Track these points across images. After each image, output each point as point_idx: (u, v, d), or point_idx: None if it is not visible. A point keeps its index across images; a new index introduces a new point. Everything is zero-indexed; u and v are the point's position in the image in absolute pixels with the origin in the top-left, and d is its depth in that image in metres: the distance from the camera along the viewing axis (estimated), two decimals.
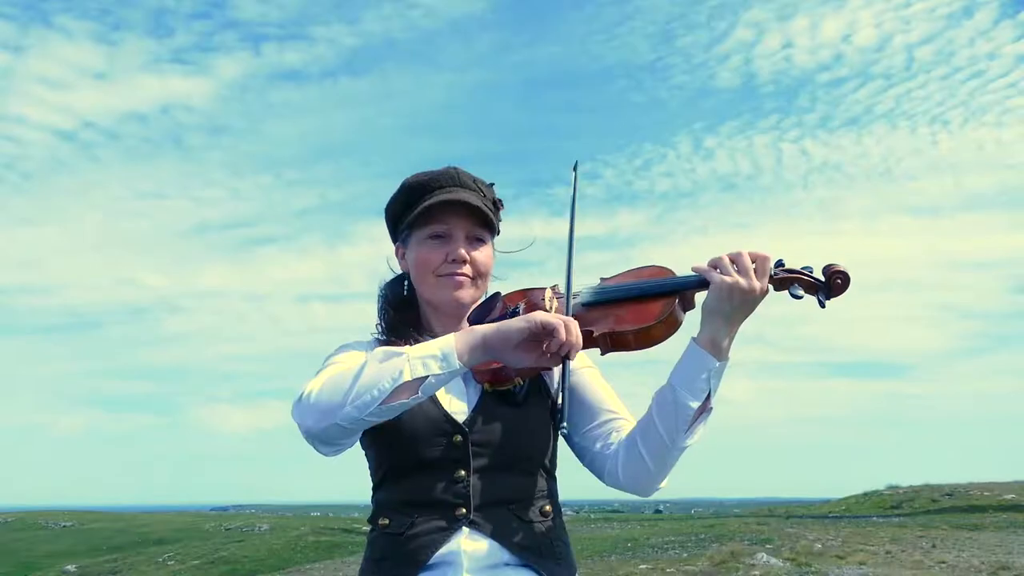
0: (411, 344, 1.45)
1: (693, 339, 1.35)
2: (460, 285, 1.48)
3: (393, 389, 1.23)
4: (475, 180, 1.52)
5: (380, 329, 1.57)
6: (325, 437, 1.29)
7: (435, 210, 1.45)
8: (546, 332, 1.24)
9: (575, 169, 1.55)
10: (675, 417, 1.34)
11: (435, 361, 1.24)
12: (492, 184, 1.55)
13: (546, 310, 1.43)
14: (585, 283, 1.48)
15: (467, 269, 1.48)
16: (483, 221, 1.49)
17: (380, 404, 1.23)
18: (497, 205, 1.54)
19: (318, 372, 1.41)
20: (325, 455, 1.35)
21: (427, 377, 1.24)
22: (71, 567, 19.69)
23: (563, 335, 1.23)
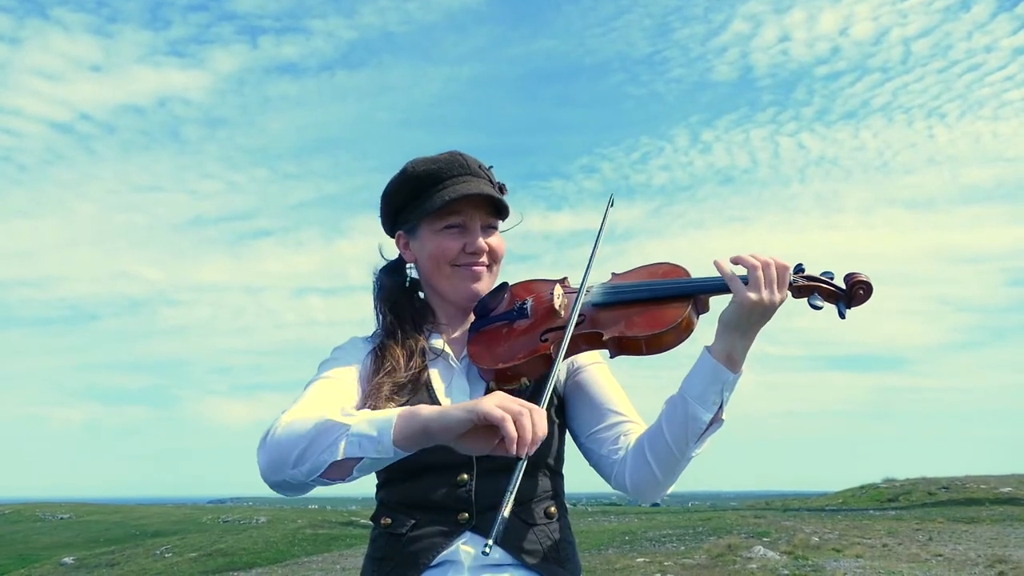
0: (411, 339, 1.46)
1: (707, 350, 1.31)
2: (478, 277, 1.47)
3: (329, 464, 1.17)
4: (480, 165, 1.49)
5: (380, 321, 1.54)
6: (278, 488, 1.26)
7: (456, 201, 1.42)
8: (490, 424, 1.07)
9: (611, 204, 1.49)
10: (685, 429, 1.31)
11: (370, 443, 1.15)
12: (491, 167, 1.53)
13: (554, 307, 1.40)
14: (596, 279, 1.43)
15: (484, 259, 1.47)
16: (496, 209, 1.47)
17: (320, 476, 1.19)
18: (502, 189, 1.52)
19: (307, 385, 1.40)
20: (285, 496, 1.32)
21: (362, 458, 1.16)
22: (69, 559, 19.66)
23: (511, 432, 1.04)
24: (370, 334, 1.55)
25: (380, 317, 1.54)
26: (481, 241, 1.46)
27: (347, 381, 1.41)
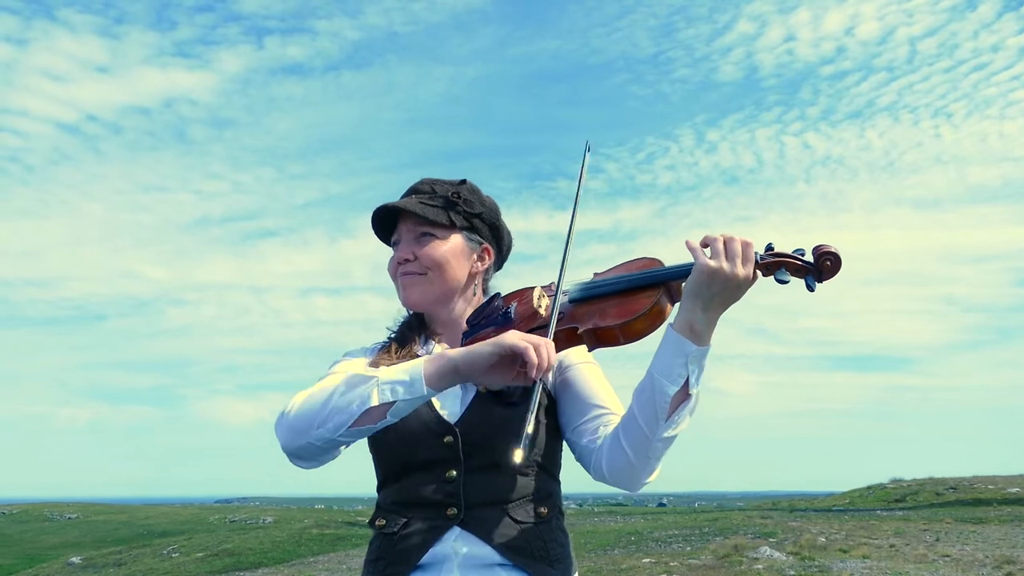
0: (408, 345, 1.53)
1: (670, 324, 1.32)
2: (407, 284, 1.54)
3: (361, 413, 1.25)
4: (433, 183, 1.55)
5: (390, 333, 1.61)
6: (300, 454, 1.32)
7: (377, 224, 1.56)
8: (514, 356, 1.23)
9: (587, 150, 1.50)
10: (653, 406, 1.29)
11: (402, 387, 1.25)
12: (463, 181, 1.57)
13: (535, 308, 1.43)
14: (578, 278, 1.46)
15: (413, 266, 1.52)
16: (423, 220, 1.52)
17: (349, 427, 1.26)
18: (452, 199, 1.53)
19: (319, 380, 1.44)
20: (303, 468, 1.38)
21: (395, 402, 1.25)
22: (76, 559, 19.72)
23: (533, 358, 1.21)
24: (372, 347, 1.60)
25: (393, 329, 1.63)
26: (402, 252, 1.54)
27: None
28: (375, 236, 1.61)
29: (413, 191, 1.56)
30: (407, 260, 1.53)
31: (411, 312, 1.62)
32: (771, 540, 12.73)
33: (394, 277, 1.56)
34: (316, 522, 21.35)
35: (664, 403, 1.28)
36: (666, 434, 1.31)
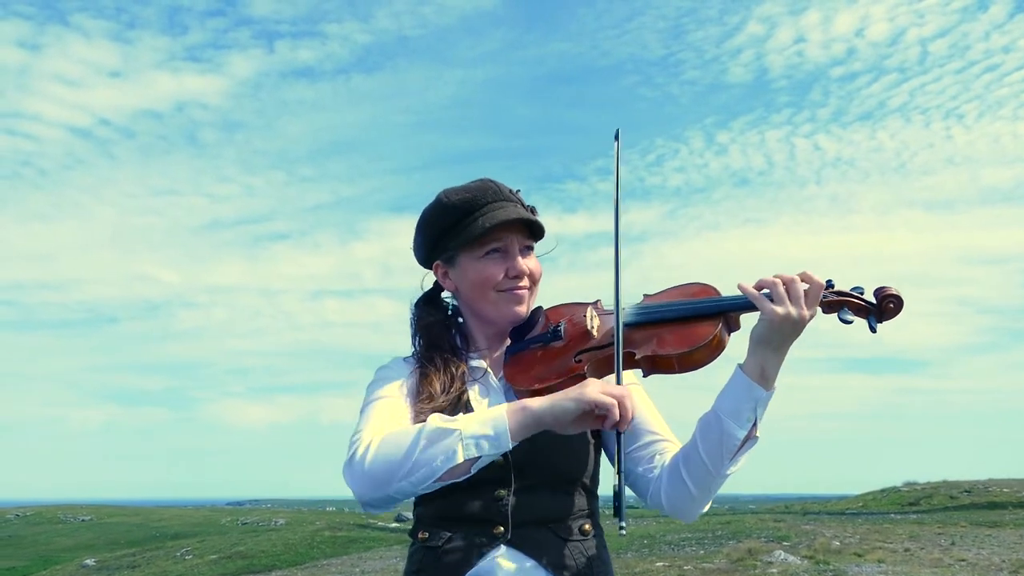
0: (451, 365, 1.47)
1: (740, 367, 1.31)
2: (521, 300, 1.50)
3: (447, 469, 1.24)
4: (511, 190, 1.52)
5: (418, 350, 1.55)
6: (377, 504, 1.30)
7: (496, 227, 1.45)
8: (599, 410, 1.22)
9: (616, 138, 1.45)
10: (720, 446, 1.31)
11: (487, 441, 1.24)
12: (518, 191, 1.54)
13: (587, 328, 1.42)
14: (627, 300, 1.42)
15: (527, 281, 1.49)
16: (532, 232, 1.50)
17: (434, 480, 1.25)
18: (533, 211, 1.53)
19: (363, 411, 1.42)
20: (372, 513, 1.35)
21: (480, 457, 1.24)
22: (90, 561, 19.83)
23: (616, 415, 1.21)
24: (411, 354, 1.57)
25: (418, 347, 1.56)
26: (522, 264, 1.48)
27: (400, 399, 1.45)
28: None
29: (506, 198, 1.49)
30: (525, 274, 1.50)
31: (430, 323, 1.56)
32: (785, 544, 12.66)
33: (498, 288, 1.49)
34: (328, 524, 21.39)
35: (732, 445, 1.31)
36: (729, 471, 1.34)
